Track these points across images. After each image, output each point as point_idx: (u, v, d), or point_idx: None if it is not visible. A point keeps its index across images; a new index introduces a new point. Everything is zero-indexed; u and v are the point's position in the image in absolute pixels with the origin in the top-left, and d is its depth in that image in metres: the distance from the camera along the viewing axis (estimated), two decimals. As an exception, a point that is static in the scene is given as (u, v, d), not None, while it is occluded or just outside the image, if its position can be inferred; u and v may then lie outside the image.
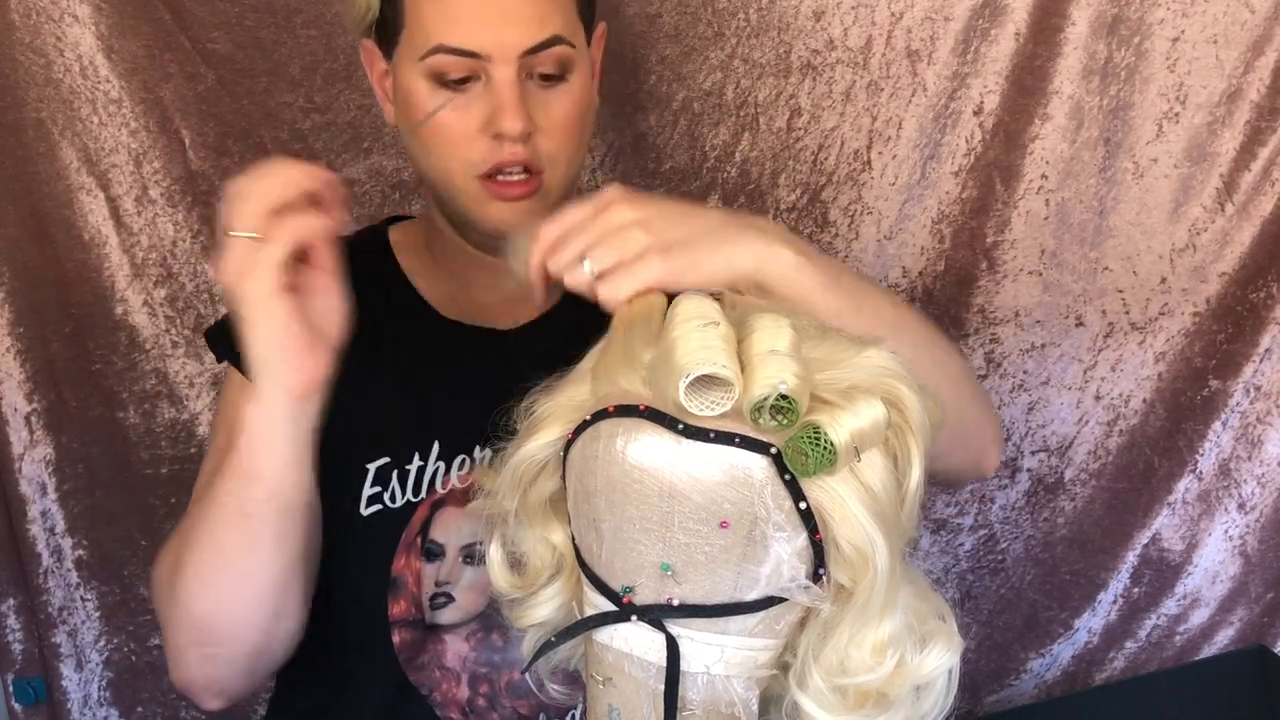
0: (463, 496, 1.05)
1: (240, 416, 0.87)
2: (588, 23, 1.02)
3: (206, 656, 0.96)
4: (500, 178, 0.98)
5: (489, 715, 1.07)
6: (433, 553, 1.06)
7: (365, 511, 1.03)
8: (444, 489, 1.05)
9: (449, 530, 1.06)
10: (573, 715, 1.09)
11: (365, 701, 1.06)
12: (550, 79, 0.97)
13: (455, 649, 1.06)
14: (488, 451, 1.04)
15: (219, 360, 1.11)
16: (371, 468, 1.03)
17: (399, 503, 1.04)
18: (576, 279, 0.82)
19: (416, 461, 1.04)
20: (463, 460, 1.05)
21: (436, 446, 1.04)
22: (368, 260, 1.09)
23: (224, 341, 1.06)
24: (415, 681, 1.06)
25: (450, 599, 1.06)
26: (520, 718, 1.08)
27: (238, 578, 0.91)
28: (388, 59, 1.01)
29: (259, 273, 0.81)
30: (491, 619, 1.06)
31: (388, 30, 0.99)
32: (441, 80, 0.96)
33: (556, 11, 0.96)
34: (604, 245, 0.81)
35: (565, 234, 0.83)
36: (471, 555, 1.06)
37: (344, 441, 1.01)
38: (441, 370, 1.06)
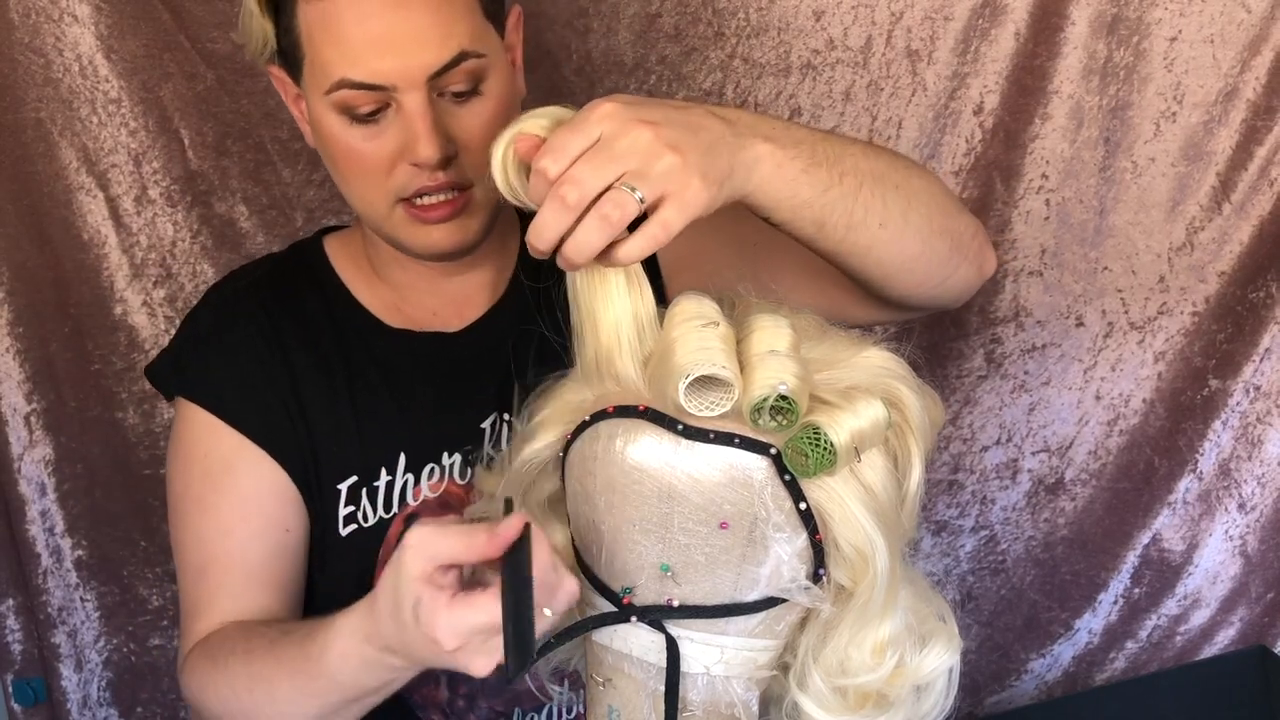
0: (436, 506, 1.03)
1: (377, 680, 0.82)
2: (496, 17, 0.96)
3: None
4: (422, 200, 0.94)
5: (467, 715, 1.07)
6: None
7: (343, 532, 1.02)
8: (416, 501, 1.03)
9: None
10: (548, 710, 1.09)
11: None
12: (463, 95, 0.92)
13: None
14: (456, 457, 1.03)
15: (169, 399, 1.06)
16: (343, 488, 1.02)
17: (372, 521, 1.02)
18: (626, 210, 0.71)
19: (384, 476, 1.02)
20: (431, 469, 1.03)
21: (403, 459, 1.03)
22: (306, 277, 1.07)
23: (176, 376, 1.04)
24: None
25: None
26: (497, 715, 1.08)
27: None
28: (297, 84, 0.97)
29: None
30: None
31: (289, 59, 0.95)
32: (351, 115, 0.91)
33: (459, 22, 0.90)
34: (645, 174, 0.71)
35: (581, 160, 0.72)
36: None
37: (313, 464, 1.01)
38: (395, 381, 1.04)
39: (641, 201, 0.71)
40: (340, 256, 1.09)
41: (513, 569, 0.67)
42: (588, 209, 0.72)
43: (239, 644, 0.93)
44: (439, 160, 0.91)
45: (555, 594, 0.71)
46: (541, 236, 0.73)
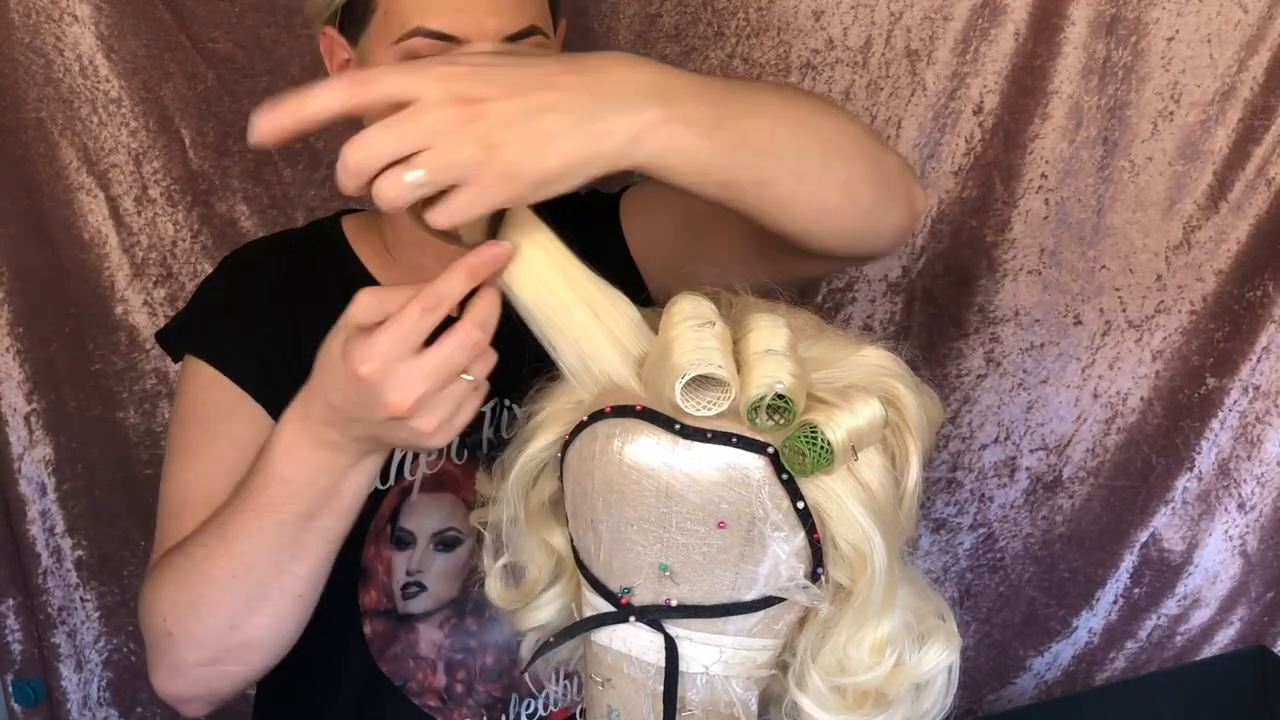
0: (433, 484, 1.04)
1: (320, 472, 0.81)
2: (556, 11, 1.01)
3: (224, 674, 0.92)
4: None
5: (466, 700, 1.07)
6: (403, 541, 1.05)
7: None
8: (413, 475, 1.03)
9: (419, 518, 1.05)
10: (545, 694, 1.09)
11: (338, 695, 1.06)
12: None
13: (429, 637, 1.06)
14: (456, 437, 1.03)
15: (177, 359, 1.06)
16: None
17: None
18: (398, 193, 0.67)
19: None
20: None
21: None
22: (324, 251, 1.08)
23: (181, 336, 1.04)
24: (389, 673, 1.06)
25: (422, 588, 1.05)
26: (494, 700, 1.08)
27: (292, 598, 0.87)
28: (353, 46, 0.99)
29: (465, 416, 0.76)
30: (464, 605, 1.06)
31: (355, 15, 0.97)
32: None
33: (531, 2, 0.94)
34: (436, 156, 0.67)
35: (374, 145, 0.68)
36: (444, 542, 1.05)
37: None
38: None
39: (421, 187, 0.67)
40: (357, 236, 1.10)
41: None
42: (376, 176, 0.68)
43: (195, 530, 0.91)
44: None
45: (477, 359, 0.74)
46: (341, 175, 0.69)
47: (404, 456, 1.03)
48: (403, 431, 0.76)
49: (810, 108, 0.83)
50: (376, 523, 1.03)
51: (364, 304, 0.74)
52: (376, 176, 0.68)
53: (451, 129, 0.67)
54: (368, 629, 1.05)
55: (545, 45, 0.95)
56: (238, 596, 0.86)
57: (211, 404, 1.01)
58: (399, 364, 0.72)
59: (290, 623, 0.89)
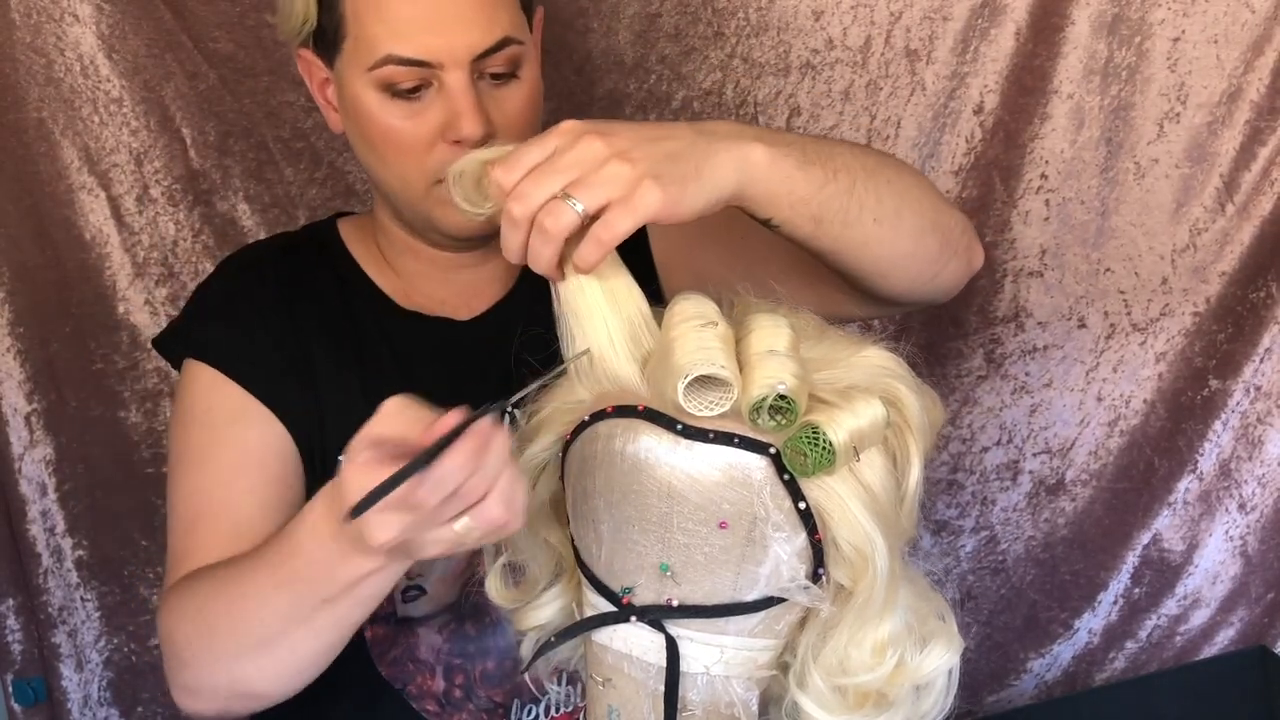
0: None
1: (341, 563, 0.78)
2: (529, 10, 1.00)
3: (240, 707, 0.93)
4: None
5: (465, 705, 1.07)
6: None
7: None
8: None
9: None
10: (547, 699, 1.08)
11: (338, 698, 1.06)
12: (501, 77, 0.95)
13: (428, 641, 1.06)
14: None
15: (176, 365, 1.05)
16: (344, 458, 1.01)
17: None
18: (561, 221, 0.74)
19: None
20: None
21: None
22: (320, 252, 1.08)
23: (181, 341, 1.04)
24: (389, 676, 1.05)
25: (422, 591, 1.05)
26: (495, 705, 1.08)
27: (299, 659, 0.86)
28: (329, 67, 0.99)
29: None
30: (463, 609, 1.05)
31: (327, 39, 0.97)
32: (392, 91, 0.93)
33: (502, 8, 0.93)
34: (587, 182, 0.74)
35: (529, 174, 0.75)
36: None
37: (319, 431, 1.00)
38: (403, 361, 1.04)
39: (582, 211, 0.74)
40: (354, 239, 1.10)
41: (426, 451, 0.66)
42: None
43: (218, 565, 0.91)
44: (480, 137, 0.92)
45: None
46: (507, 250, 0.77)
47: None
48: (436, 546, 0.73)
49: (881, 161, 0.91)
50: None
51: (389, 417, 0.71)
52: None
53: (595, 155, 0.74)
54: (367, 632, 1.04)
55: (520, 52, 0.95)
56: (247, 647, 0.86)
57: (216, 408, 1.00)
58: (415, 537, 0.70)
59: (296, 680, 0.88)
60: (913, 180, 0.93)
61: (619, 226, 0.74)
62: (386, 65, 0.92)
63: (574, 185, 0.74)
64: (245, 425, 0.99)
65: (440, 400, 1.02)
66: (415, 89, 0.93)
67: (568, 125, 0.77)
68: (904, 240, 0.91)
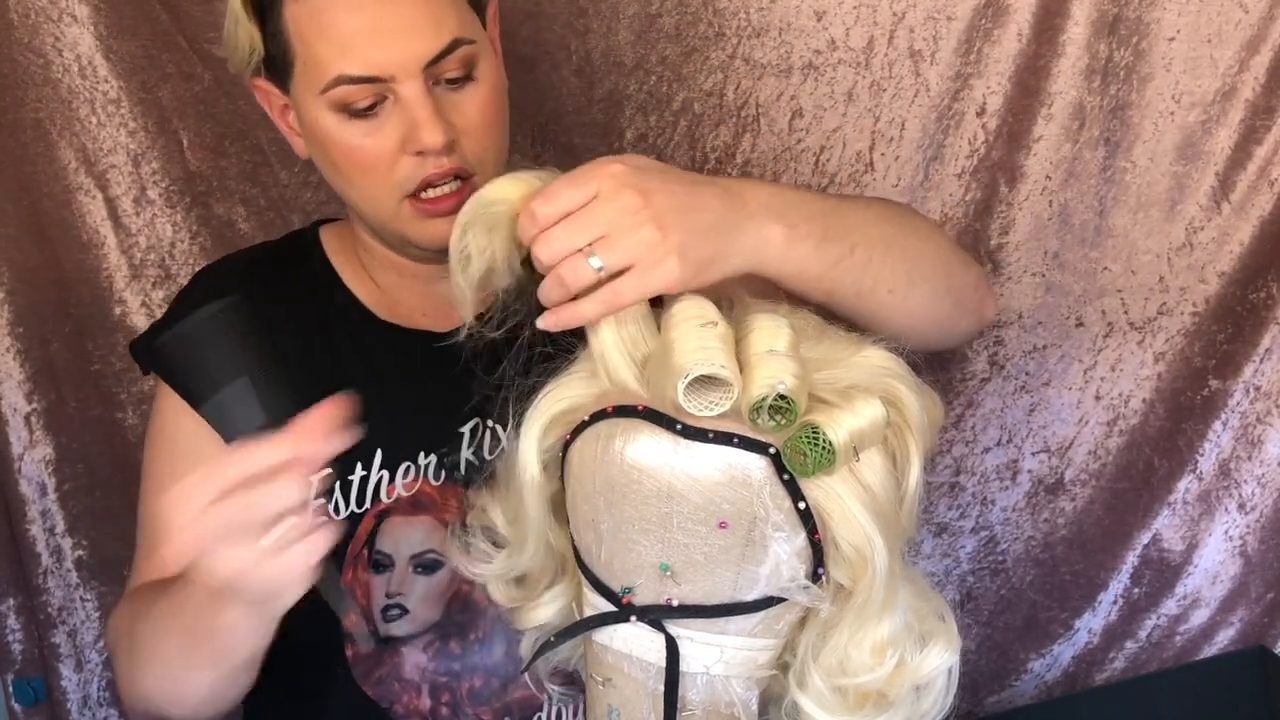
0: (409, 506, 1.03)
1: (220, 619, 0.82)
2: (478, 6, 0.97)
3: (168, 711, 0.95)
4: (428, 194, 0.94)
5: None
6: (380, 564, 1.03)
7: None
8: (389, 498, 1.02)
9: (397, 540, 1.03)
10: (539, 717, 1.08)
11: (324, 717, 1.05)
12: (457, 81, 0.93)
13: (413, 660, 1.05)
14: (433, 458, 1.02)
15: (145, 372, 1.08)
16: (314, 478, 1.02)
17: (343, 514, 1.01)
18: (580, 278, 0.75)
19: (359, 471, 1.01)
20: (407, 467, 1.02)
21: (379, 455, 1.02)
22: (299, 264, 1.07)
23: (150, 353, 1.05)
24: (375, 696, 1.04)
25: (404, 610, 1.04)
26: None
27: (205, 694, 0.89)
28: (285, 93, 0.97)
29: (304, 581, 0.78)
30: (448, 628, 1.04)
31: (278, 66, 0.95)
32: (349, 111, 0.92)
33: (448, 10, 0.92)
34: (616, 244, 0.75)
35: (561, 222, 0.76)
36: (424, 565, 1.03)
37: None
38: (379, 376, 1.04)
39: (602, 270, 0.75)
40: (334, 248, 1.09)
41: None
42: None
43: (156, 587, 0.94)
44: (443, 145, 0.91)
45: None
46: (548, 286, 0.78)
47: (379, 479, 1.02)
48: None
49: (899, 228, 0.93)
50: (353, 547, 1.02)
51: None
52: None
53: (630, 215, 0.75)
54: (349, 652, 1.04)
55: (474, 52, 0.94)
56: (158, 674, 0.90)
57: (180, 438, 1.02)
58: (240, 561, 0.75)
59: (207, 709, 0.91)
60: (931, 245, 0.95)
61: (628, 295, 0.76)
62: (339, 86, 0.91)
63: (602, 243, 0.75)
64: (206, 457, 0.99)
65: (419, 414, 1.02)
66: (371, 106, 0.92)
67: (611, 170, 0.77)
68: (916, 306, 0.93)
